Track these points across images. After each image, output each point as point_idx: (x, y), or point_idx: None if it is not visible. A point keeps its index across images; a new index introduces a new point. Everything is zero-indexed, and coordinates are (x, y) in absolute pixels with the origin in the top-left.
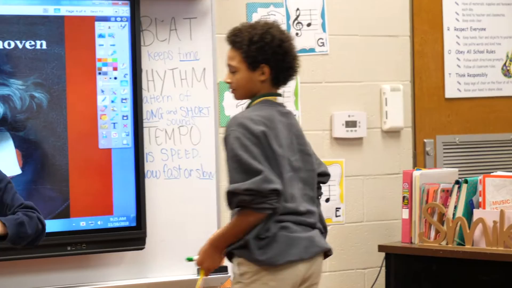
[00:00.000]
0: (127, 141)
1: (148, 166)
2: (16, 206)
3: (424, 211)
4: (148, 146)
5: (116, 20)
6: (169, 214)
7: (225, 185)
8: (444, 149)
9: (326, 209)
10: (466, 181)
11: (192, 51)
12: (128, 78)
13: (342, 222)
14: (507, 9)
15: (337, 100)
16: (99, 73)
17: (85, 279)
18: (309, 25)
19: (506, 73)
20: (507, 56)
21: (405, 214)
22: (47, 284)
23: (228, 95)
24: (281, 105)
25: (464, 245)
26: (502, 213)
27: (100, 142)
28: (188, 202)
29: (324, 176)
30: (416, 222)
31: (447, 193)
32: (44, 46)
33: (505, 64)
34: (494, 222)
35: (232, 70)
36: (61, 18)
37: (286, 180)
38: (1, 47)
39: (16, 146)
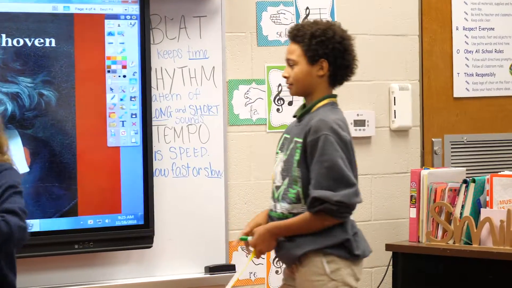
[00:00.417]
0: (136, 139)
1: (156, 165)
2: None
3: (432, 210)
4: (157, 145)
5: (125, 18)
6: (177, 213)
7: (233, 183)
8: (452, 148)
9: None
10: (473, 180)
11: (202, 49)
12: (137, 76)
13: None
14: None
15: (346, 99)
16: (108, 71)
17: (92, 277)
18: None
19: None
20: None
21: (412, 213)
22: (54, 282)
23: (237, 94)
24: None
25: (471, 244)
26: (509, 212)
27: (108, 140)
28: (196, 200)
29: None
30: (423, 221)
31: (455, 192)
32: (53, 44)
33: None
34: (501, 221)
35: (291, 64)
36: (71, 15)
37: None
38: (10, 44)
39: (24, 144)
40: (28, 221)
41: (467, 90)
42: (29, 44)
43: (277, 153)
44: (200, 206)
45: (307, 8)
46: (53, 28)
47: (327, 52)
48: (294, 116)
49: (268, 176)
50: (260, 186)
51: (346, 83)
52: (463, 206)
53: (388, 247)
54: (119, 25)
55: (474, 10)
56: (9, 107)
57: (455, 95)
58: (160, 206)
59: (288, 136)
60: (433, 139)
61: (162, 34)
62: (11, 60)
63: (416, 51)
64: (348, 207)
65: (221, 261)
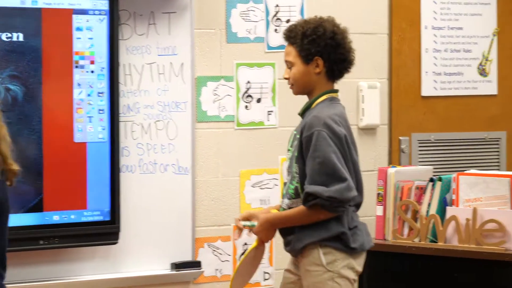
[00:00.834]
0: (103, 135)
1: (123, 161)
2: None
3: (398, 208)
4: (124, 141)
5: (94, 14)
6: (144, 209)
7: (200, 180)
8: (419, 146)
9: None
10: (440, 179)
11: (171, 45)
12: (105, 72)
13: None
14: (484, 8)
15: None
16: (76, 67)
17: (57, 273)
18: (288, 21)
19: (482, 72)
20: (483, 55)
21: (379, 211)
22: (20, 278)
23: (206, 91)
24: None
25: (437, 242)
26: (474, 210)
27: (75, 135)
28: (163, 197)
29: None
30: (390, 219)
31: (421, 190)
32: (21, 39)
33: (481, 63)
34: (467, 219)
35: (289, 66)
36: (39, 10)
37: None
38: None
39: None
40: None
41: (435, 89)
42: None
43: (288, 150)
44: (167, 203)
45: (277, 5)
46: (20, 23)
47: (320, 50)
48: (299, 114)
49: (236, 173)
50: (227, 183)
51: None
52: (429, 205)
53: None
54: (87, 20)
55: (443, 10)
56: None
57: (423, 94)
58: (126, 202)
59: (295, 132)
60: (400, 138)
61: (131, 30)
62: None
63: (385, 50)
64: (340, 201)
65: (187, 257)
